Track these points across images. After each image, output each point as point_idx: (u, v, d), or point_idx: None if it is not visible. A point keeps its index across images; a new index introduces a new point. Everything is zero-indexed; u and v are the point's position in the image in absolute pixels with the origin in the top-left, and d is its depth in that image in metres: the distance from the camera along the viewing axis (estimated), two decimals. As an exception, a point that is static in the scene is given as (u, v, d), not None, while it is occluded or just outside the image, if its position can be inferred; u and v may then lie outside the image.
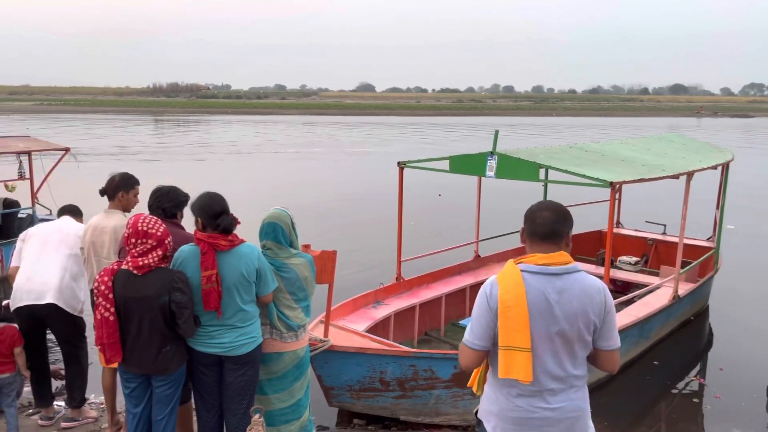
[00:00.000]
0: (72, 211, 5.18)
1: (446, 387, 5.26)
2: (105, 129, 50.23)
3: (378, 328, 6.15)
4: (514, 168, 5.88)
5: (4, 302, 5.49)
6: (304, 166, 26.93)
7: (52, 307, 4.62)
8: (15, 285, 4.73)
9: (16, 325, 4.73)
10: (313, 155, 31.64)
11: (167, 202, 4.06)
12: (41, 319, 4.69)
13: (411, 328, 6.77)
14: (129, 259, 3.51)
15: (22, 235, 4.98)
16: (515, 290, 2.46)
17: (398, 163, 6.79)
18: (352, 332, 5.57)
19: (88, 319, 4.62)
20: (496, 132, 6.09)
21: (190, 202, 3.74)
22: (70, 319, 4.74)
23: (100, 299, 3.47)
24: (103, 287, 3.47)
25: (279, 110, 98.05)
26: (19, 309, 4.67)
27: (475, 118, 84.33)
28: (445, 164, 6.52)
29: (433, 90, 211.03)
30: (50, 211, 11.03)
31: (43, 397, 4.94)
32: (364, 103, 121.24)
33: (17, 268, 4.80)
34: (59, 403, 5.27)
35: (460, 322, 6.93)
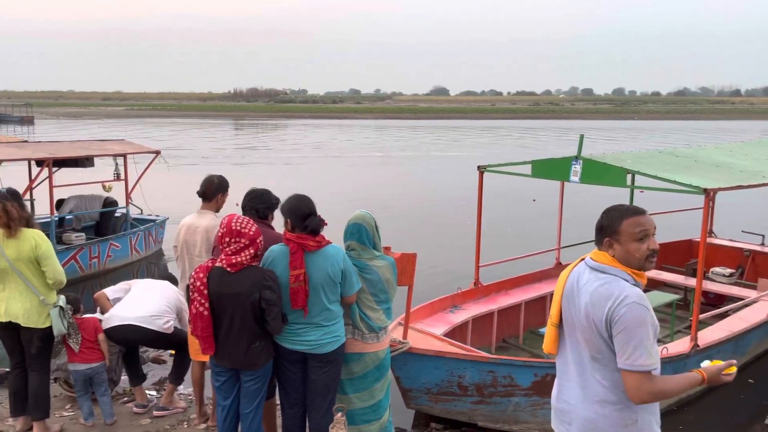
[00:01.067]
0: (172, 278, 5.53)
1: (526, 395, 5.17)
2: (189, 133, 52.56)
3: (455, 333, 6.12)
4: (600, 173, 5.72)
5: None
6: (384, 169, 27.24)
7: (141, 330, 4.88)
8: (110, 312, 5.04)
9: (95, 316, 5.07)
10: (393, 159, 31.91)
11: (260, 204, 4.23)
12: (131, 340, 4.99)
13: (489, 335, 6.70)
14: (223, 257, 3.66)
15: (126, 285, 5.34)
16: (565, 273, 2.68)
17: (478, 167, 6.74)
18: (430, 335, 5.57)
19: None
20: (581, 136, 5.94)
21: (279, 204, 3.86)
22: (161, 337, 4.99)
23: (196, 294, 3.64)
24: (198, 283, 3.64)
25: (354, 114, 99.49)
26: (109, 330, 4.94)
27: (553, 122, 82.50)
28: (527, 168, 6.42)
29: (509, 93, 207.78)
30: (141, 210, 11.69)
31: (134, 377, 5.23)
32: (437, 106, 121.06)
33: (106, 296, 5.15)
34: (151, 393, 5.57)
35: (540, 330, 6.79)
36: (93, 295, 5.38)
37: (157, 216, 11.99)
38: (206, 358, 4.87)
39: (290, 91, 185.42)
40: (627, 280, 2.45)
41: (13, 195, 4.37)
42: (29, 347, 4.39)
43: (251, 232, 3.69)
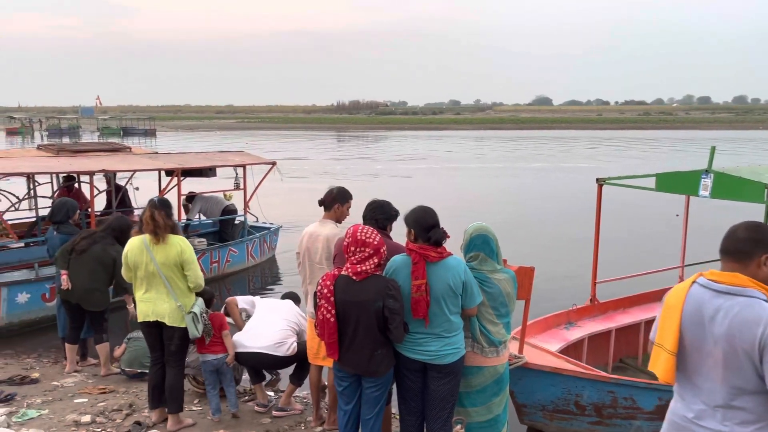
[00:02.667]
0: (293, 297, 5.83)
1: (649, 419, 4.93)
2: (296, 144, 54.61)
3: (570, 350, 5.94)
4: (734, 188, 5.37)
5: (231, 298, 6.22)
6: (489, 181, 27.02)
7: (268, 357, 5.18)
8: (238, 335, 5.35)
9: (221, 312, 5.36)
10: (496, 170, 31.57)
11: (381, 215, 4.34)
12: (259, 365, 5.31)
13: (605, 354, 6.45)
14: (348, 265, 3.79)
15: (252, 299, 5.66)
16: (678, 295, 2.52)
17: (597, 179, 6.53)
18: (545, 351, 5.44)
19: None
20: (713, 148, 5.61)
21: (404, 215, 3.94)
22: (287, 360, 5.27)
23: (323, 301, 3.78)
24: (325, 290, 3.77)
25: (453, 125, 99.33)
26: (239, 354, 5.24)
27: (665, 132, 78.21)
28: (649, 182, 6.14)
29: (616, 102, 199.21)
30: (256, 218, 12.27)
31: (255, 374, 5.49)
32: (540, 116, 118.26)
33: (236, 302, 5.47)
34: (270, 393, 5.82)
35: (661, 351, 6.44)
36: (217, 294, 5.72)
37: (272, 224, 12.55)
38: (324, 362, 5.05)
39: (390, 103, 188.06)
40: (766, 301, 2.33)
41: (162, 204, 4.73)
42: (170, 345, 4.74)
43: (375, 242, 3.78)
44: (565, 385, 4.98)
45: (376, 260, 3.77)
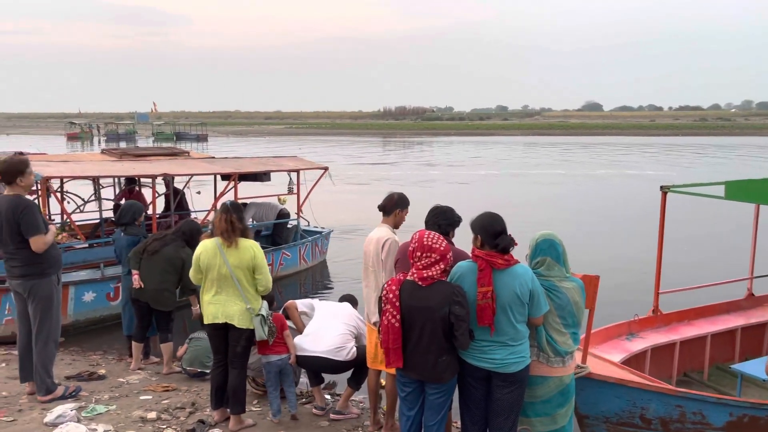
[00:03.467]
0: (351, 300, 5.84)
1: (719, 436, 4.74)
2: (342, 149, 55.04)
3: (632, 362, 5.77)
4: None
5: (290, 301, 6.29)
6: (541, 187, 26.61)
7: (326, 361, 5.22)
8: (299, 338, 5.41)
9: (281, 313, 5.43)
10: (547, 176, 31.09)
11: (443, 220, 4.33)
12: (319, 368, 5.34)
13: (668, 367, 6.24)
14: (414, 270, 3.78)
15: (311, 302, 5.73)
16: None
17: (661, 187, 6.34)
18: (607, 362, 5.31)
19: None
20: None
21: (470, 221, 3.91)
22: (346, 364, 5.29)
23: (388, 306, 3.78)
24: (391, 295, 3.78)
25: (501, 131, 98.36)
26: (300, 357, 5.31)
27: (722, 139, 75.53)
28: (717, 189, 5.92)
29: (670, 108, 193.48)
30: (308, 222, 12.41)
31: (315, 377, 5.53)
32: (590, 122, 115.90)
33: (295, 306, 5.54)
34: (328, 396, 5.85)
35: (731, 366, 6.19)
36: (275, 295, 5.79)
37: (323, 228, 12.67)
38: (383, 367, 5.04)
39: (437, 108, 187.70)
40: None
41: (235, 208, 4.84)
42: (236, 346, 4.82)
43: (442, 248, 3.77)
44: (630, 397, 4.84)
45: (442, 266, 3.75)
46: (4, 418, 4.92)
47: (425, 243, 3.77)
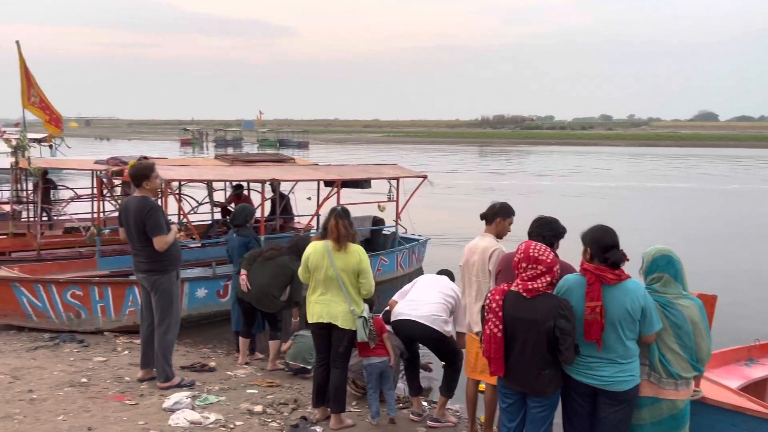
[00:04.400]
0: (448, 274, 5.82)
1: None
2: (440, 158, 55.07)
3: (751, 389, 5.39)
4: None
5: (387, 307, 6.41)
6: (654, 202, 25.43)
7: (422, 327, 5.18)
8: (396, 307, 5.48)
9: (380, 316, 5.53)
10: (661, 189, 29.64)
11: (548, 232, 4.26)
12: (414, 336, 5.34)
13: (792, 397, 5.77)
14: (519, 282, 3.76)
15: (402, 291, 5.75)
16: None
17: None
18: (723, 387, 4.99)
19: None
20: None
21: (581, 233, 3.83)
22: (440, 339, 5.26)
23: (491, 315, 3.78)
24: (494, 305, 3.77)
25: (604, 141, 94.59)
26: (396, 323, 5.38)
27: None
28: None
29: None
30: (405, 229, 12.53)
31: (413, 387, 5.58)
32: (704, 133, 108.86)
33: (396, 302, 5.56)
34: (424, 403, 5.89)
35: None
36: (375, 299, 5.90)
37: (420, 236, 12.75)
38: (482, 377, 5.02)
39: (536, 117, 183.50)
40: None
41: (345, 213, 5.02)
42: (338, 346, 4.98)
43: (549, 260, 3.72)
44: (749, 426, 4.52)
45: (548, 278, 3.70)
46: (128, 401, 5.34)
47: (531, 254, 3.73)
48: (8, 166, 11.63)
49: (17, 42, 9.73)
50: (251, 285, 6.45)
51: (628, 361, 3.63)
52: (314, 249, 4.99)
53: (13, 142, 10.62)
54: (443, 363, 5.51)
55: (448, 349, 5.35)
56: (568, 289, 3.75)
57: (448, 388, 5.41)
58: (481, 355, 4.20)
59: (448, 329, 5.27)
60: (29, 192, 11.65)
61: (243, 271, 6.56)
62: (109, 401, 5.30)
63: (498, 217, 5.06)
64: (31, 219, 11.16)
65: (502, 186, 30.23)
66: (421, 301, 5.31)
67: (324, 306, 4.93)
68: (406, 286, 5.74)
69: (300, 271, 5.13)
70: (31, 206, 11.36)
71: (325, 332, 5.00)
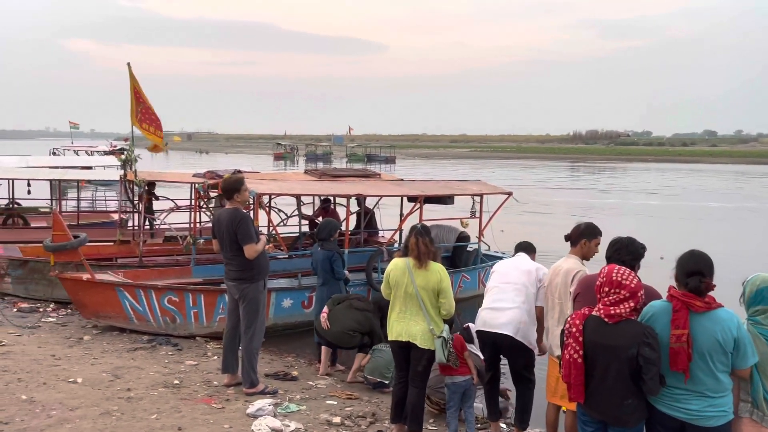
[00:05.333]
0: (527, 248, 5.64)
1: None
2: (532, 174, 54.01)
3: None
4: None
5: (466, 324, 6.39)
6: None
7: (507, 338, 5.14)
8: (479, 311, 5.46)
9: (459, 334, 5.48)
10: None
11: (627, 255, 4.10)
12: (498, 346, 5.27)
13: None
14: (600, 306, 3.65)
15: (492, 269, 5.70)
16: None
17: None
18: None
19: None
20: None
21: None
22: (523, 350, 5.20)
23: (570, 340, 3.68)
24: (573, 329, 3.68)
25: (707, 158, 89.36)
26: (479, 332, 5.37)
27: None
28: None
29: None
30: (489, 246, 12.39)
31: (492, 411, 5.51)
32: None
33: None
34: (503, 425, 5.80)
35: None
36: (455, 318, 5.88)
37: (504, 253, 12.55)
38: (562, 402, 4.90)
39: (632, 132, 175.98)
40: None
41: (426, 231, 5.07)
42: (417, 365, 5.00)
43: (633, 285, 3.60)
44: None
45: (632, 304, 3.58)
46: (215, 405, 5.61)
47: (614, 278, 3.62)
48: (118, 178, 12.56)
49: (128, 64, 10.50)
50: (331, 324, 6.66)
51: (720, 395, 3.43)
52: (395, 266, 5.06)
53: (123, 156, 11.46)
54: (515, 386, 5.42)
55: (527, 363, 5.26)
56: (652, 316, 3.60)
57: (522, 420, 5.33)
58: (561, 380, 4.10)
59: (533, 339, 5.17)
60: (135, 202, 12.52)
61: (325, 309, 6.78)
62: (198, 403, 5.58)
63: (583, 238, 4.95)
64: (136, 227, 11.98)
65: (597, 204, 29.19)
66: (502, 305, 5.21)
67: (403, 324, 4.97)
68: (489, 282, 5.65)
69: (382, 287, 5.21)
70: (135, 215, 12.19)
71: (405, 350, 5.04)
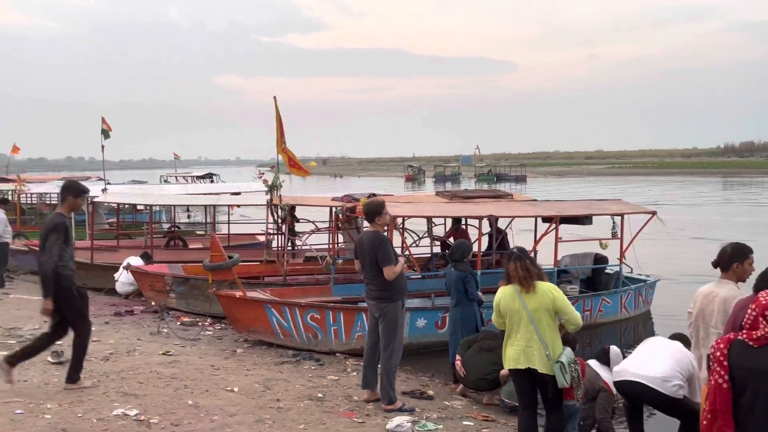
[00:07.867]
0: (683, 339, 5.43)
1: None
2: (679, 191, 50.46)
3: None
4: None
5: (607, 346, 6.18)
6: None
7: (652, 391, 4.99)
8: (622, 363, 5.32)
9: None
10: None
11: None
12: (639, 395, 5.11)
13: None
14: (744, 331, 3.47)
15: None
16: None
17: None
18: None
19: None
20: None
21: None
22: (671, 402, 4.99)
23: (715, 365, 3.51)
24: (718, 354, 3.51)
25: None
26: (621, 382, 5.21)
27: None
28: None
29: None
30: (631, 269, 11.79)
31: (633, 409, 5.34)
32: None
33: None
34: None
35: None
36: (587, 342, 5.76)
37: (648, 276, 11.91)
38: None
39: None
40: None
41: (523, 254, 5.01)
42: (545, 391, 4.93)
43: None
44: None
45: (773, 325, 3.34)
46: (356, 419, 5.88)
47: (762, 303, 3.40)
48: (264, 203, 13.56)
49: (274, 97, 11.38)
50: (467, 372, 6.69)
51: None
52: (503, 294, 4.99)
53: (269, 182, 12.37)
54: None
55: (681, 411, 5.01)
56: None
57: None
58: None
59: (679, 390, 4.95)
60: (279, 224, 13.43)
61: (458, 357, 6.83)
62: (340, 417, 5.88)
63: (734, 262, 4.68)
64: (280, 248, 12.83)
65: (752, 222, 26.63)
66: (650, 360, 5.08)
67: (519, 350, 4.86)
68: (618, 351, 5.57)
69: (493, 317, 5.15)
70: (280, 237, 13.07)
71: (526, 376, 4.93)
